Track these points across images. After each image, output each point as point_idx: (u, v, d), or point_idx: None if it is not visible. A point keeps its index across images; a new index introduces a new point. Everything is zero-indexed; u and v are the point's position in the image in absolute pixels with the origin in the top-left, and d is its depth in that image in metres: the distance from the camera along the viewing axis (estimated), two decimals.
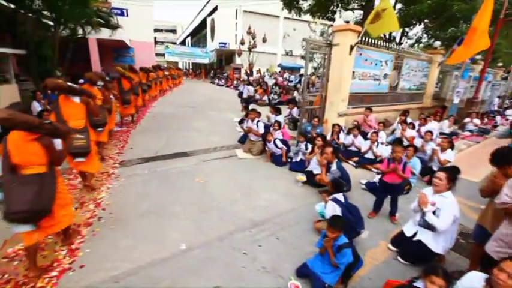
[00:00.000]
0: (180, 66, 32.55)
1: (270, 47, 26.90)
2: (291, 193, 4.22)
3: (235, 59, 26.29)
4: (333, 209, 2.82)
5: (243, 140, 6.22)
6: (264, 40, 24.14)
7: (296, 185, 4.49)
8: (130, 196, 3.78)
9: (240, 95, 12.63)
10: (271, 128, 5.75)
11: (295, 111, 8.59)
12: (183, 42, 45.59)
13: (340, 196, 2.95)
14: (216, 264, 2.67)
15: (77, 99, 3.55)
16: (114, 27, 11.38)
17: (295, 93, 11.56)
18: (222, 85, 21.91)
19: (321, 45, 6.07)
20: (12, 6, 6.27)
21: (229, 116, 9.21)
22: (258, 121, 5.53)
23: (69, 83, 3.45)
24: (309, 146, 5.03)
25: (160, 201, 3.69)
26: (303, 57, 21.91)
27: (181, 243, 2.93)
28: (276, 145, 5.18)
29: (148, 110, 9.47)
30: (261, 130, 5.48)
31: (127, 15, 17.95)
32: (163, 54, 26.21)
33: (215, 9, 26.48)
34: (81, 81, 11.22)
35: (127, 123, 7.45)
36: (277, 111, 6.90)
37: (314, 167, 4.53)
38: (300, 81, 13.77)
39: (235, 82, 21.07)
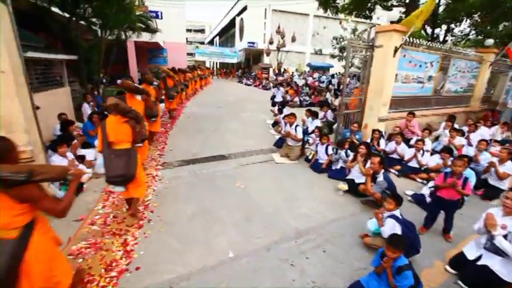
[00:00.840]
0: (207, 65, 33.15)
1: (299, 46, 26.55)
2: (333, 202, 4.12)
3: (263, 59, 26.29)
4: (392, 227, 2.68)
5: (279, 144, 6.18)
6: (293, 39, 23.89)
7: (337, 194, 4.37)
8: (176, 199, 3.91)
9: (273, 98, 11.93)
10: (314, 136, 5.62)
11: (329, 115, 8.38)
12: (211, 42, 46.47)
13: (397, 212, 2.80)
14: (265, 274, 2.67)
15: (139, 97, 4.46)
16: (153, 31, 11.89)
17: (328, 95, 11.26)
18: (250, 84, 21.99)
19: (363, 47, 5.82)
20: (67, 15, 6.77)
21: (261, 118, 9.22)
22: (297, 125, 5.45)
23: (135, 84, 4.22)
24: (350, 153, 4.87)
25: (205, 205, 3.78)
26: (333, 56, 21.35)
27: (229, 250, 2.98)
28: (326, 153, 5.13)
29: (183, 111, 9.76)
30: (300, 135, 5.40)
31: (161, 18, 18.63)
32: (191, 54, 26.92)
33: (244, 9, 26.61)
34: (118, 81, 11.97)
35: (164, 124, 7.73)
36: (314, 115, 6.75)
37: (356, 175, 4.37)
38: (331, 82, 13.41)
39: (263, 82, 21.04)
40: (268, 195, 4.19)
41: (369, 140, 5.75)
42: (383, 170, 3.81)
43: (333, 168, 5.04)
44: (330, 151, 5.11)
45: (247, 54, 29.31)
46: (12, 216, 1.57)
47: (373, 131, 5.74)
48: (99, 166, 4.57)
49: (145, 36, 11.75)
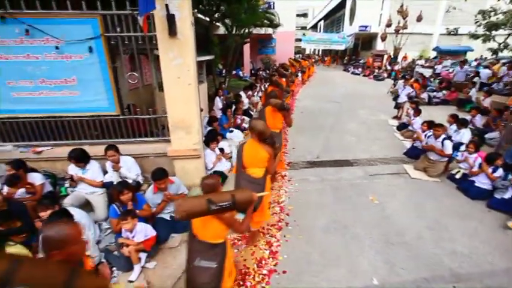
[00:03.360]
0: (307, 52, 32.18)
1: (425, 26, 22.21)
2: (500, 244, 3.28)
3: (375, 44, 23.49)
4: None
5: (411, 153, 5.40)
6: (419, 18, 20.11)
7: (505, 233, 3.46)
8: (308, 205, 3.97)
9: (396, 97, 8.93)
10: (466, 155, 4.53)
11: (478, 120, 6.72)
12: (314, 27, 44.79)
13: None
14: None
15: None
16: (276, 25, 12.34)
17: (472, 91, 9.02)
18: (358, 74, 20.14)
19: None
20: (208, 19, 7.74)
21: (382, 118, 8.27)
22: (445, 138, 4.55)
23: (284, 104, 4.00)
24: None
25: (339, 218, 3.69)
26: (474, 36, 16.82)
27: (372, 276, 2.81)
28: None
29: (294, 104, 9.84)
30: (449, 150, 4.50)
31: (273, 8, 19.05)
32: (297, 40, 26.63)
33: None
34: (234, 72, 13.11)
35: None
36: (462, 124, 5.47)
37: None
38: (477, 73, 10.56)
39: (375, 71, 18.85)
40: (407, 217, 3.72)
41: None
42: None
43: (497, 196, 4.00)
44: (499, 173, 4.04)
45: (356, 39, 26.78)
46: (221, 230, 2.06)
47: None
48: (234, 159, 5.15)
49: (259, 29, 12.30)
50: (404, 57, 19.82)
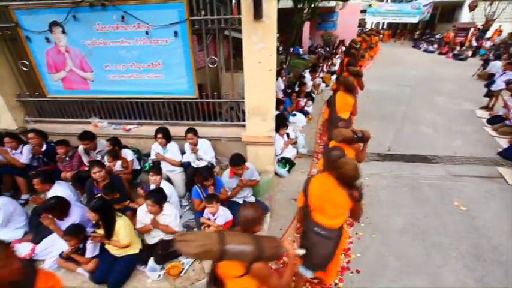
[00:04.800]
0: (368, 26, 28.79)
1: None
2: None
3: (458, 15, 19.90)
4: None
5: (508, 155, 4.59)
6: None
7: None
8: (380, 203, 3.73)
9: (489, 84, 6.94)
10: None
11: None
12: None
13: None
14: None
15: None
16: None
17: None
18: (433, 51, 17.54)
19: None
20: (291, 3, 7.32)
21: (466, 108, 7.13)
22: None
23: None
24: None
25: (417, 221, 3.40)
26: None
27: None
28: None
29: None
30: None
31: None
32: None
33: None
34: (291, 49, 12.45)
35: None
36: None
37: None
38: None
39: (456, 48, 16.10)
40: (503, 232, 3.23)
41: None
42: None
43: None
44: None
45: (434, 9, 22.99)
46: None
47: None
48: (300, 146, 5.05)
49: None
50: (497, 31, 16.49)
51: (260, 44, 3.04)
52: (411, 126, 6.02)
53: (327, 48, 14.65)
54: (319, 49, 14.55)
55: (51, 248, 2.88)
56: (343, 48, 14.15)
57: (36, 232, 3.11)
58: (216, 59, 3.48)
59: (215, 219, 2.89)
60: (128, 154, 3.65)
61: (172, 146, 3.67)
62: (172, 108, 3.91)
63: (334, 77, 9.86)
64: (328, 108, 4.24)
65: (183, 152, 3.77)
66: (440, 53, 16.64)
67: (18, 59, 3.90)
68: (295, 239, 3.15)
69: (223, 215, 2.88)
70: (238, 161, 3.07)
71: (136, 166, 3.81)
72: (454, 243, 3.07)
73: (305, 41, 15.40)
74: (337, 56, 11.97)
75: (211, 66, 3.51)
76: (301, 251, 1.81)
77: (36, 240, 3.01)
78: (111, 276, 2.59)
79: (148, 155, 4.04)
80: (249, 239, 1.44)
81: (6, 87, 4.00)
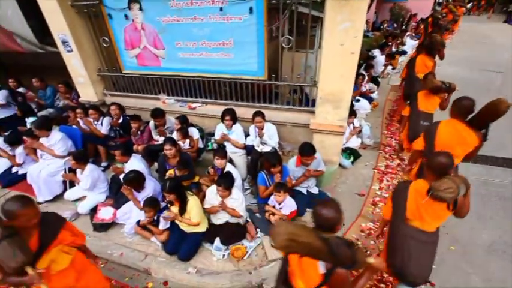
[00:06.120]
0: None
1: None
2: None
3: None
4: None
5: None
6: None
7: None
8: None
9: None
10: None
11: None
12: None
13: None
14: None
15: None
16: None
17: None
18: None
19: None
20: None
21: None
22: None
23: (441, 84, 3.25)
24: None
25: (510, 239, 2.92)
26: None
27: None
28: None
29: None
30: None
31: None
32: None
33: None
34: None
35: None
36: None
37: None
38: None
39: None
40: None
41: None
42: None
43: None
44: None
45: None
46: None
47: None
48: (365, 136, 4.66)
49: None
50: None
51: (346, 23, 2.69)
52: (505, 124, 5.07)
53: (395, 25, 12.92)
54: (385, 25, 12.91)
55: (129, 214, 3.16)
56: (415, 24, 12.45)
57: (115, 199, 3.45)
58: (291, 38, 3.22)
59: (281, 208, 2.83)
60: (194, 133, 3.74)
61: (237, 128, 3.65)
62: (239, 89, 3.83)
63: (403, 58, 8.80)
64: (406, 69, 4.97)
65: (246, 135, 3.74)
66: None
67: (100, 35, 4.14)
68: (358, 239, 3.02)
69: (289, 206, 2.81)
70: (309, 151, 2.90)
71: (200, 145, 3.90)
72: None
73: (369, 15, 13.79)
74: (407, 33, 10.54)
75: (285, 46, 3.27)
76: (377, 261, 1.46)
77: (116, 206, 3.34)
78: (182, 250, 2.76)
79: (211, 134, 4.11)
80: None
81: (90, 63, 4.32)
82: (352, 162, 4.11)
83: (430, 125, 2.69)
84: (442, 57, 4.67)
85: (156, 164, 3.97)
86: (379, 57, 7.02)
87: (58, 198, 3.74)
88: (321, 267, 1.34)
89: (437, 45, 4.24)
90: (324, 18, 2.89)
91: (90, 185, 3.38)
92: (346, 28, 2.72)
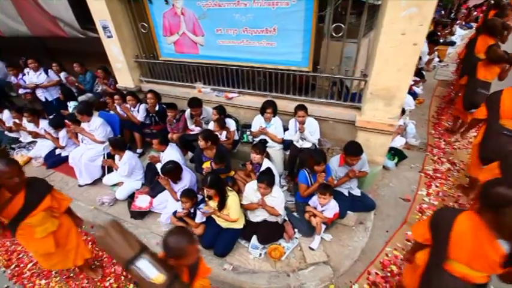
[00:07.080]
0: None
1: None
2: None
3: None
4: None
5: None
6: None
7: None
8: None
9: None
10: None
11: None
12: None
13: None
14: None
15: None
16: None
17: None
18: None
19: None
20: None
21: None
22: None
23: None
24: None
25: None
26: None
27: None
28: None
29: None
30: None
31: None
32: None
33: None
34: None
35: None
36: None
37: None
38: None
39: None
40: None
41: None
42: None
43: None
44: None
45: None
46: None
47: None
48: (409, 135, 4.30)
49: None
50: None
51: (411, 8, 2.38)
52: None
53: (442, 12, 11.77)
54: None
55: (165, 204, 3.16)
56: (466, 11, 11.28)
57: (151, 187, 3.46)
58: (343, 25, 2.93)
59: (323, 210, 2.66)
60: (231, 124, 3.63)
61: (276, 121, 3.48)
62: (274, 80, 3.62)
63: (451, 49, 8.02)
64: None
65: (285, 129, 3.56)
66: None
67: (139, 21, 4.09)
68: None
69: (333, 209, 2.63)
70: (356, 152, 2.67)
71: (236, 137, 3.79)
72: None
73: None
74: (457, 22, 9.57)
75: (335, 35, 2.99)
76: None
77: (151, 194, 3.35)
78: (218, 245, 2.70)
79: (246, 125, 3.97)
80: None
81: (128, 49, 4.31)
82: (396, 164, 3.82)
83: (492, 94, 2.65)
84: (504, 41, 4.45)
85: (190, 153, 3.95)
86: (425, 49, 6.41)
87: (97, 182, 3.85)
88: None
89: (496, 27, 4.04)
90: (382, 3, 2.58)
91: (128, 172, 3.41)
92: (410, 15, 2.41)
